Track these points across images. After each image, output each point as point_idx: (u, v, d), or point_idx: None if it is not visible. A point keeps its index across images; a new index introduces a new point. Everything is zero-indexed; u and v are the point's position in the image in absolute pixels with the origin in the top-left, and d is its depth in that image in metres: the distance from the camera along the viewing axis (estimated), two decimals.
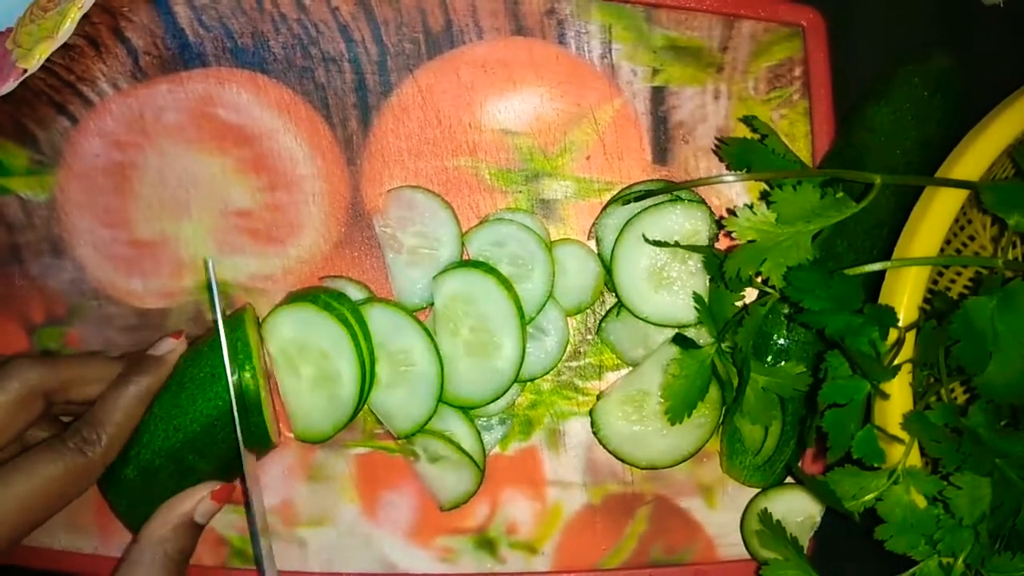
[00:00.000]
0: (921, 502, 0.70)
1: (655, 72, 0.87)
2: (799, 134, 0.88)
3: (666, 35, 0.86)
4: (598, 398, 0.86)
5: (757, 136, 0.82)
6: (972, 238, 0.83)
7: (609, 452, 0.85)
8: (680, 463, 0.85)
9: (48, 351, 0.84)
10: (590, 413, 0.85)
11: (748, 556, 0.88)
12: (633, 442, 0.85)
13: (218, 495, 0.75)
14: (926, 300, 0.72)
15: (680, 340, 0.82)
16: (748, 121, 0.84)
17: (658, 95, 0.87)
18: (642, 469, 0.86)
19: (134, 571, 0.72)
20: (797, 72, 0.88)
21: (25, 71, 0.70)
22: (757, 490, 0.87)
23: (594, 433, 0.85)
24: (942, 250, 0.72)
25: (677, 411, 0.78)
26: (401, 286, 0.84)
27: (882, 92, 0.84)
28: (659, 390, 0.82)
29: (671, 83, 0.87)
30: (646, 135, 0.87)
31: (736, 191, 0.87)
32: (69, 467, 0.70)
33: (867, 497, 0.71)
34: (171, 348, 0.77)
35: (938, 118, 0.83)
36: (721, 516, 0.88)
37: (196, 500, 0.74)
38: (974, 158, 0.72)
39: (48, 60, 0.77)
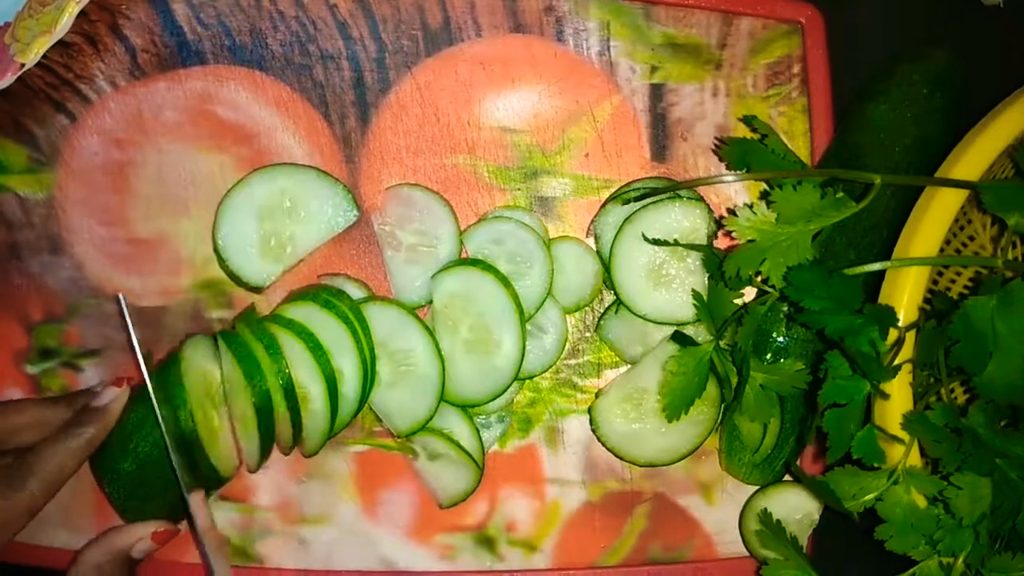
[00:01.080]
0: (921, 502, 0.71)
1: (653, 69, 0.87)
2: (798, 131, 0.88)
3: (664, 32, 0.86)
4: (597, 396, 0.86)
5: (757, 136, 0.82)
6: (972, 238, 0.83)
7: (608, 450, 0.86)
8: (679, 461, 0.86)
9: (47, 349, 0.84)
10: (589, 411, 0.85)
11: (747, 553, 0.88)
12: (632, 440, 0.85)
13: (159, 536, 0.76)
14: (926, 300, 0.72)
15: (679, 338, 0.83)
16: (748, 121, 0.84)
17: (656, 92, 0.87)
18: (641, 467, 0.86)
19: None
20: (796, 69, 0.88)
21: (23, 65, 0.70)
22: (756, 487, 0.87)
23: (593, 431, 0.86)
24: (942, 250, 0.72)
25: (674, 408, 0.78)
26: (400, 284, 0.84)
27: (881, 90, 0.84)
28: (657, 388, 0.82)
29: (670, 80, 0.87)
30: (645, 132, 0.87)
31: (735, 189, 0.88)
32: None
33: (867, 497, 0.71)
34: (113, 397, 0.77)
35: (938, 115, 0.83)
36: (719, 513, 0.88)
37: (137, 537, 0.76)
38: (974, 158, 0.72)
39: (46, 58, 0.77)
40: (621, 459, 0.86)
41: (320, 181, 0.83)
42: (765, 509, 0.79)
